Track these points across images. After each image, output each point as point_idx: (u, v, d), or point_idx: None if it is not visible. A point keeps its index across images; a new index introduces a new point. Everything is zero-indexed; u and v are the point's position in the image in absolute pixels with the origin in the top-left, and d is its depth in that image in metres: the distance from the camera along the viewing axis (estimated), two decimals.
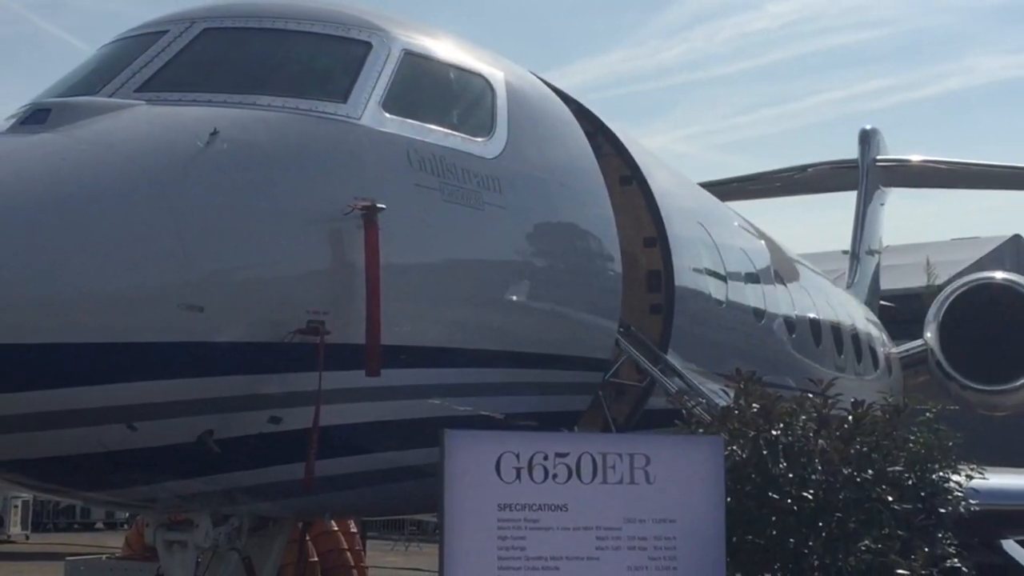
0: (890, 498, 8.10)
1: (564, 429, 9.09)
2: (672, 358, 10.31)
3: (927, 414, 9.13)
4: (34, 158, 6.40)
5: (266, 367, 6.75)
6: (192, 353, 6.42)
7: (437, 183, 7.89)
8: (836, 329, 17.32)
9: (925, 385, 21.37)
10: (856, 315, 20.25)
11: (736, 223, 14.70)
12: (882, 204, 27.56)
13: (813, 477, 7.98)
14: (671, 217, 11.02)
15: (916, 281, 36.97)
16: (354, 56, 8.05)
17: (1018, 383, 21.38)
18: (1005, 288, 22.37)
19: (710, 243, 12.20)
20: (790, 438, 8.19)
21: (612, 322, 9.55)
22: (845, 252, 27.45)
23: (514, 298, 8.52)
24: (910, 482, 8.39)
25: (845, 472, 8.05)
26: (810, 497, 7.88)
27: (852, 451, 8.18)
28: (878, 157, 27.18)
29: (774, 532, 7.85)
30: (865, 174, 27.00)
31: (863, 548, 7.90)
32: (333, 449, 7.22)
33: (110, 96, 7.25)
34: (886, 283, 27.77)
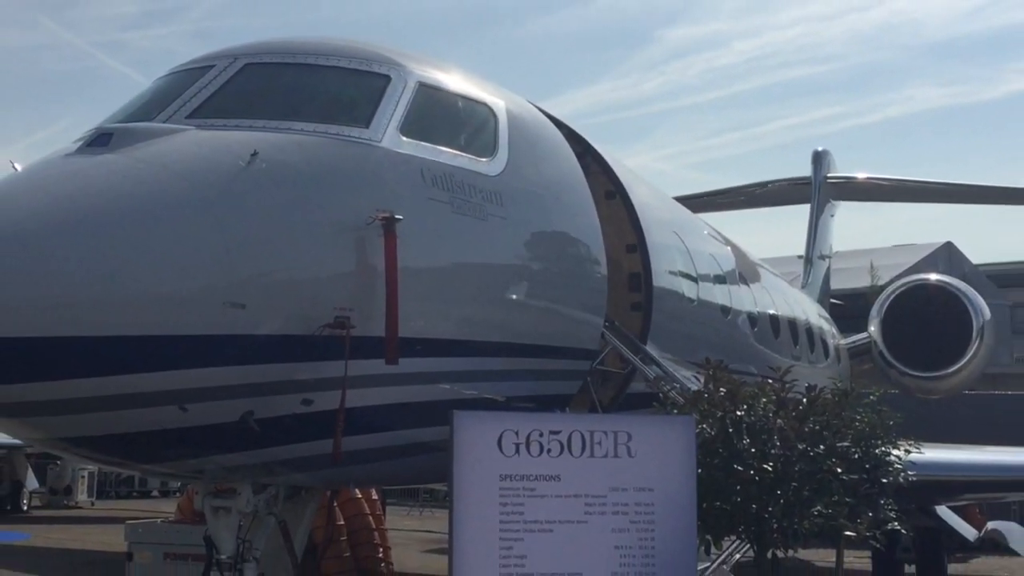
0: (839, 470, 8.10)
1: (557, 410, 9.07)
2: (651, 348, 10.29)
3: (871, 397, 9.13)
4: (99, 176, 6.39)
5: (299, 356, 6.73)
6: (235, 344, 6.41)
7: (447, 197, 7.87)
8: (792, 324, 17.30)
9: (869, 372, 21.38)
10: (809, 311, 20.22)
11: (706, 231, 14.68)
12: (832, 215, 27.54)
13: (772, 452, 7.98)
14: (649, 227, 11.00)
15: (861, 282, 37.00)
16: (375, 87, 8.03)
17: (950, 370, 21.38)
18: (939, 288, 22.37)
19: (683, 249, 12.18)
20: (752, 418, 8.19)
21: (599, 317, 9.53)
22: (800, 257, 27.42)
23: (513, 296, 8.50)
24: (856, 456, 8.39)
25: (800, 447, 8.05)
26: (770, 469, 7.88)
27: (806, 429, 8.18)
28: (829, 175, 27.16)
29: (739, 499, 7.86)
30: (817, 189, 26.98)
31: (816, 513, 7.91)
32: (357, 427, 7.20)
33: (164, 122, 7.24)
34: (835, 284, 27.75)
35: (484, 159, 8.55)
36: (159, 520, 13.35)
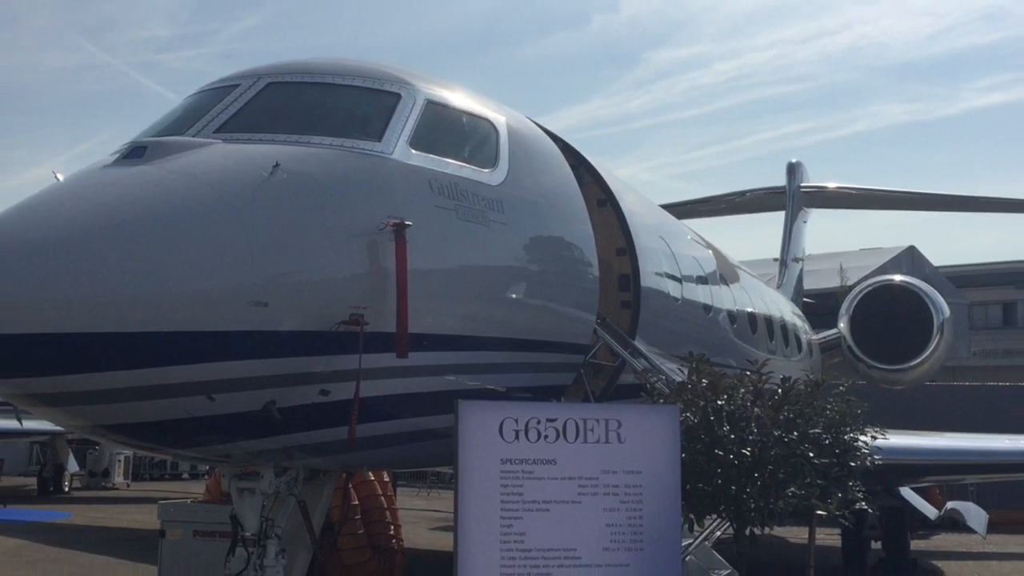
0: (811, 454, 8.11)
1: (553, 400, 9.08)
2: (639, 343, 10.28)
3: (840, 388, 9.14)
4: (134, 185, 6.39)
5: (317, 350, 6.72)
6: (259, 340, 6.40)
7: (452, 205, 7.86)
8: (768, 320, 17.28)
9: (839, 365, 21.32)
10: (784, 309, 20.20)
11: (689, 236, 14.67)
12: (805, 222, 27.49)
13: (750, 438, 7.99)
14: (638, 232, 11.00)
15: (831, 282, 36.98)
16: (387, 104, 8.02)
17: (913, 363, 21.35)
18: (902, 288, 22.34)
19: (668, 252, 12.17)
20: (732, 407, 8.20)
21: (591, 315, 9.51)
22: (775, 259, 27.37)
23: (513, 295, 8.48)
24: (827, 442, 8.39)
25: (775, 434, 8.05)
26: (748, 453, 7.88)
27: (781, 417, 8.19)
28: (802, 184, 27.12)
29: (719, 481, 7.85)
30: (791, 198, 26.94)
31: (790, 494, 7.91)
32: (370, 416, 7.19)
33: (194, 136, 7.23)
34: (808, 284, 27.71)
35: (486, 170, 8.54)
36: (189, 500, 13.33)
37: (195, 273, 6.12)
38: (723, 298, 14.36)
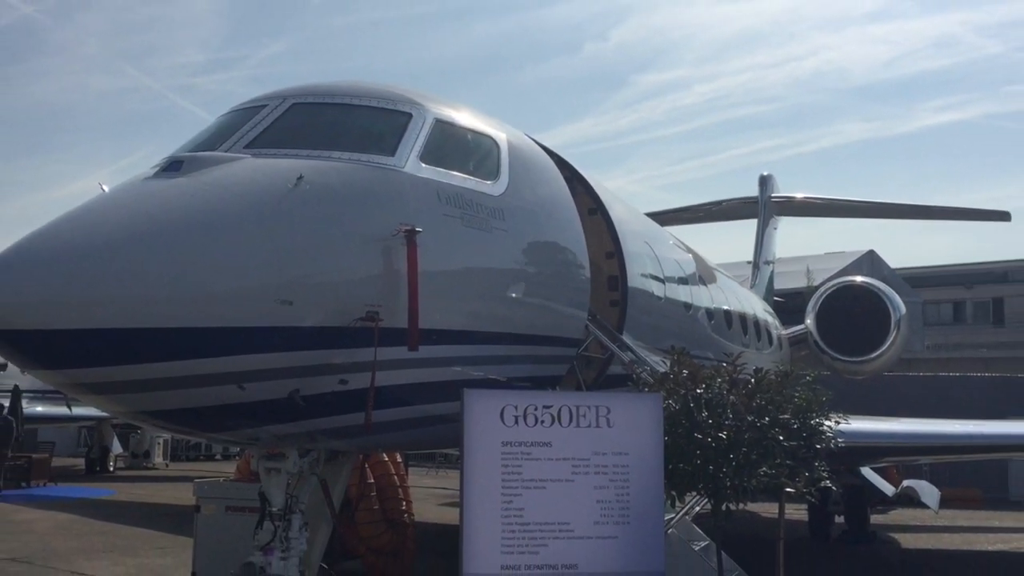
0: (781, 438, 8.10)
1: (549, 388, 9.08)
2: (626, 338, 10.27)
3: (807, 378, 9.11)
4: (172, 196, 6.38)
5: (337, 344, 6.71)
6: (284, 334, 6.39)
7: (458, 213, 7.85)
8: (742, 317, 17.27)
9: (806, 357, 21.34)
10: (756, 307, 20.19)
11: (671, 241, 14.65)
12: (775, 228, 27.48)
13: (726, 423, 7.98)
14: (625, 237, 10.98)
15: (799, 283, 36.86)
16: (399, 123, 8.01)
17: (872, 356, 21.36)
18: (863, 288, 22.34)
19: (652, 256, 12.16)
20: (710, 395, 8.18)
21: (583, 312, 9.50)
22: (749, 262, 27.36)
23: (513, 295, 8.47)
24: (795, 426, 8.37)
25: (749, 419, 8.04)
26: (724, 437, 7.87)
27: (754, 404, 8.18)
28: (772, 195, 27.12)
29: (698, 462, 7.84)
30: (763, 207, 26.94)
31: (762, 473, 7.90)
32: (385, 403, 7.18)
33: (226, 151, 7.22)
34: (778, 284, 27.70)
35: (489, 182, 8.53)
36: (222, 479, 13.30)
37: (227, 274, 6.11)
38: (702, 297, 14.35)
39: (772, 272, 26.76)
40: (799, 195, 27.74)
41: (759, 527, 17.17)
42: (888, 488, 18.10)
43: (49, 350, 5.75)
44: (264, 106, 7.88)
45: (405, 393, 7.53)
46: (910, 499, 19.87)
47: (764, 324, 19.77)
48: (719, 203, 28.26)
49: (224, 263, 6.12)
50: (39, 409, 27.52)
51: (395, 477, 13.34)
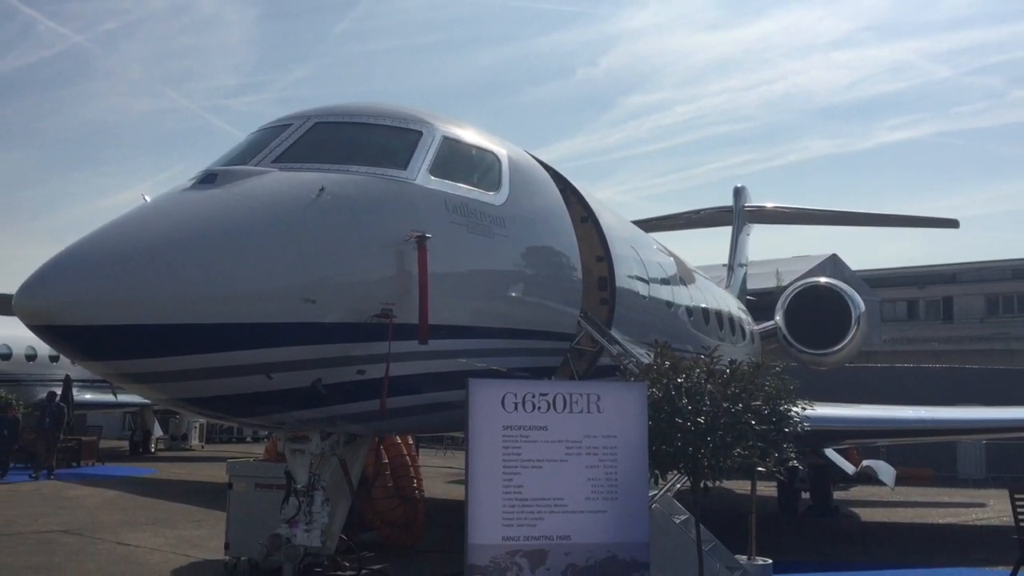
0: (753, 422, 8.08)
1: (545, 378, 9.08)
2: (614, 332, 10.27)
3: (777, 369, 9.11)
4: (207, 205, 6.40)
5: (355, 338, 6.73)
6: (307, 329, 6.41)
7: (464, 221, 7.87)
8: (719, 314, 17.27)
9: (776, 350, 21.28)
10: (731, 305, 20.19)
11: (655, 246, 14.65)
12: (748, 234, 27.44)
13: (704, 409, 7.96)
14: (613, 242, 10.98)
15: (769, 283, 36.82)
16: (411, 140, 8.02)
17: (835, 349, 21.32)
18: (827, 288, 22.31)
19: (638, 259, 12.16)
20: (689, 384, 8.17)
21: (576, 309, 9.52)
22: (724, 265, 27.30)
23: (513, 294, 8.49)
24: (766, 412, 8.36)
25: (724, 405, 8.03)
26: (702, 421, 7.86)
27: (729, 392, 8.16)
28: (745, 204, 27.06)
29: (679, 443, 7.83)
30: (737, 215, 26.89)
31: (736, 454, 7.89)
32: (398, 391, 7.20)
33: (256, 165, 7.24)
34: (750, 285, 27.64)
35: (491, 193, 8.54)
36: (252, 459, 13.31)
37: (256, 275, 6.13)
38: (682, 296, 14.35)
39: (745, 274, 26.72)
40: (770, 204, 27.70)
41: (733, 502, 17.16)
42: (849, 467, 18.09)
43: (97, 344, 5.76)
44: (289, 125, 7.89)
45: (416, 382, 7.53)
46: (869, 477, 19.85)
47: (738, 320, 19.78)
48: (698, 212, 28.21)
49: (254, 266, 6.14)
50: (88, 396, 27.54)
51: (407, 457, 13.34)
